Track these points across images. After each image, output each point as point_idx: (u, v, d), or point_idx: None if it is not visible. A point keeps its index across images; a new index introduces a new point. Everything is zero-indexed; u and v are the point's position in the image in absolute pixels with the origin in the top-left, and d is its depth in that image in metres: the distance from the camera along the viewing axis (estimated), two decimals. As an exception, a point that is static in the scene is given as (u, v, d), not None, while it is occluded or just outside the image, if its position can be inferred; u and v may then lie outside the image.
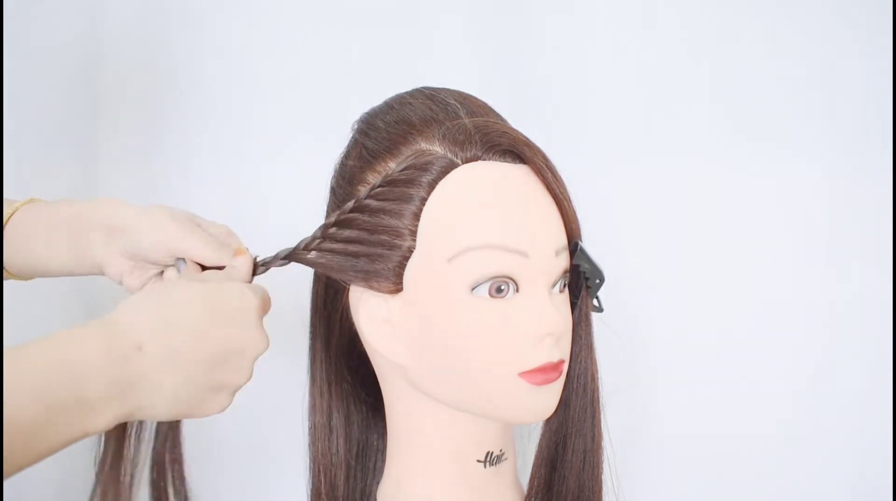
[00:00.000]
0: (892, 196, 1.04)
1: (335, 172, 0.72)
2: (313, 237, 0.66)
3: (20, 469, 0.49)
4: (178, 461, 0.64)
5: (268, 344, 0.61)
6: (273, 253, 0.67)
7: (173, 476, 0.64)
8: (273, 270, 0.67)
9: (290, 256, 0.66)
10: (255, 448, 1.09)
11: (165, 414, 0.57)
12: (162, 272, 0.67)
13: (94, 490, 0.60)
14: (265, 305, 0.62)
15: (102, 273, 0.67)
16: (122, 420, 0.54)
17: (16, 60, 0.98)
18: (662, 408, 1.08)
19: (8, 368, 0.48)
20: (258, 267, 0.67)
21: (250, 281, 0.65)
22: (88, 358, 0.51)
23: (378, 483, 0.75)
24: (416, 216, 0.63)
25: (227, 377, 0.58)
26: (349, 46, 1.08)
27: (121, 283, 0.67)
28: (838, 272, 1.06)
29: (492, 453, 0.70)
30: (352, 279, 0.66)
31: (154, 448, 0.62)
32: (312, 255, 0.66)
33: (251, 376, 0.60)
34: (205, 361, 0.56)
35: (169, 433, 0.63)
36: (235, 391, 0.60)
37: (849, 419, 1.06)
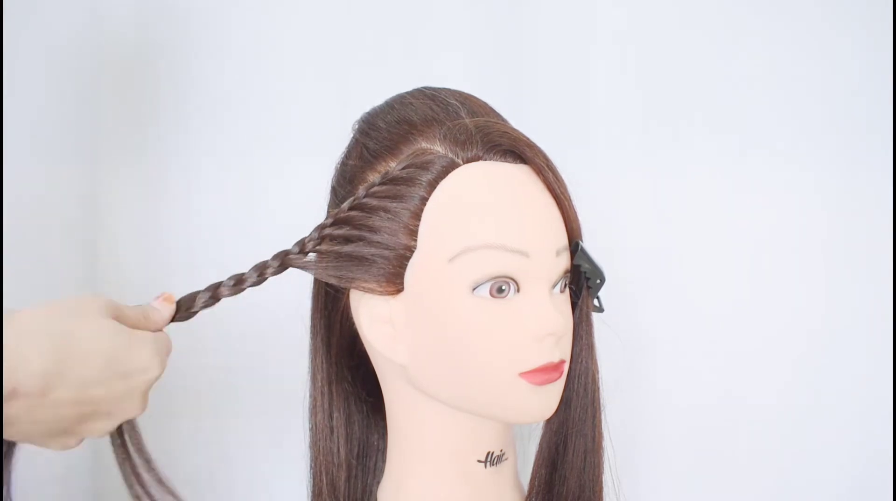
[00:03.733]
0: (893, 196, 1.04)
1: (336, 171, 0.72)
2: (308, 238, 0.66)
3: None
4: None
5: (140, 414, 0.58)
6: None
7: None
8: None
9: (285, 262, 0.65)
10: (255, 448, 1.09)
11: (12, 438, 0.54)
12: None
13: None
14: (162, 370, 0.59)
15: None
16: None
17: (16, 60, 0.98)
18: (663, 408, 1.08)
19: None
20: (179, 312, 0.63)
21: (164, 325, 0.62)
22: None
23: (379, 482, 0.75)
24: (417, 216, 0.63)
25: (87, 428, 0.55)
26: (351, 46, 1.08)
27: None
28: (838, 274, 1.06)
29: (492, 453, 0.70)
30: (351, 283, 0.65)
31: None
32: (310, 258, 0.66)
33: (105, 436, 0.58)
34: (76, 415, 0.54)
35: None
36: (81, 441, 0.57)
37: (849, 423, 1.06)
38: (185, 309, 0.64)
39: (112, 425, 0.57)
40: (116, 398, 0.55)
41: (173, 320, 0.63)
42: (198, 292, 0.64)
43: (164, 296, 0.63)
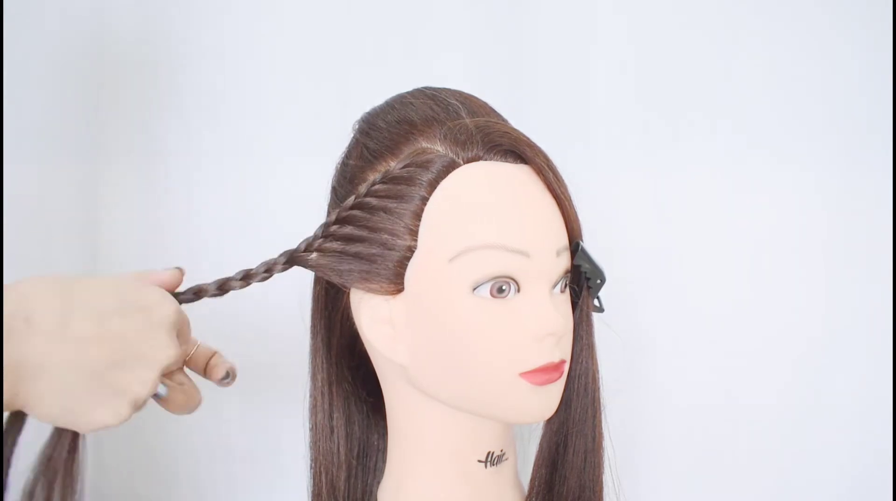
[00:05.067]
0: (893, 196, 1.04)
1: (336, 172, 0.72)
2: (314, 237, 0.66)
3: None
4: (69, 478, 0.55)
5: (176, 356, 0.56)
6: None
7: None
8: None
9: (291, 259, 0.65)
10: (255, 448, 1.09)
11: (52, 408, 0.50)
12: None
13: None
14: (181, 325, 0.58)
15: None
16: (12, 407, 0.49)
17: (16, 60, 0.98)
18: (663, 408, 1.08)
19: None
20: (185, 293, 0.62)
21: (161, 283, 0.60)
22: None
23: (379, 482, 0.75)
24: (417, 216, 0.63)
25: (127, 379, 0.52)
26: (351, 46, 1.08)
27: None
28: (838, 273, 1.06)
29: (492, 453, 0.70)
30: (353, 282, 0.65)
31: (42, 453, 0.54)
32: (314, 256, 0.66)
33: (154, 389, 0.54)
34: (104, 352, 0.51)
35: (63, 440, 0.55)
36: (135, 403, 0.53)
37: (849, 423, 1.06)
38: (192, 292, 0.63)
39: (151, 375, 0.54)
40: (141, 336, 0.53)
41: (180, 297, 0.62)
42: (206, 284, 0.64)
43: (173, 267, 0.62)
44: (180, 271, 0.62)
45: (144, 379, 0.53)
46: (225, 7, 1.08)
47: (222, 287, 0.64)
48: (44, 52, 1.02)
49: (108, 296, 0.52)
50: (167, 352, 0.55)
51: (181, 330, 0.59)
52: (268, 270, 0.65)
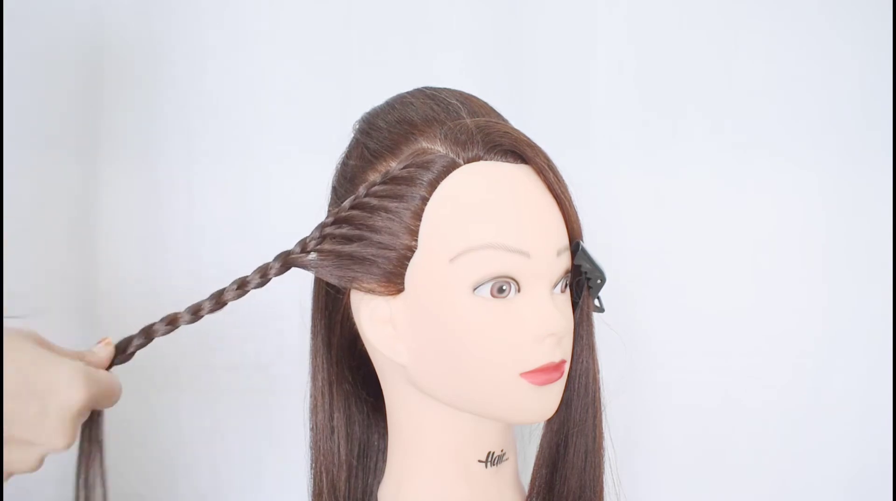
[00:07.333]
0: (893, 196, 1.04)
1: (336, 172, 0.72)
2: (311, 238, 0.65)
3: None
4: None
5: (67, 445, 0.53)
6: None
7: None
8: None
9: (287, 262, 0.64)
10: (255, 449, 1.09)
11: None
12: None
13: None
14: (95, 402, 0.54)
15: None
16: None
17: (16, 60, 0.98)
18: (663, 408, 1.09)
19: None
20: (118, 355, 0.60)
21: (107, 367, 0.59)
22: None
23: (379, 482, 0.75)
24: (418, 216, 0.63)
25: (7, 459, 0.52)
26: (351, 46, 1.08)
27: None
28: (838, 273, 1.06)
29: (493, 453, 0.70)
30: (353, 282, 0.65)
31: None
32: (312, 257, 0.65)
33: (35, 468, 0.54)
34: None
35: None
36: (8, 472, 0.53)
37: (849, 423, 1.06)
38: (192, 314, 0.62)
39: (34, 457, 0.53)
40: (32, 421, 0.51)
41: (130, 348, 0.61)
42: (202, 301, 0.63)
43: (104, 341, 0.61)
44: (107, 343, 0.60)
45: (24, 462, 0.53)
46: (225, 6, 1.08)
47: (219, 301, 0.63)
48: (43, 51, 1.02)
49: (11, 376, 0.51)
50: (55, 442, 0.52)
51: (102, 401, 0.56)
52: (263, 275, 0.64)
